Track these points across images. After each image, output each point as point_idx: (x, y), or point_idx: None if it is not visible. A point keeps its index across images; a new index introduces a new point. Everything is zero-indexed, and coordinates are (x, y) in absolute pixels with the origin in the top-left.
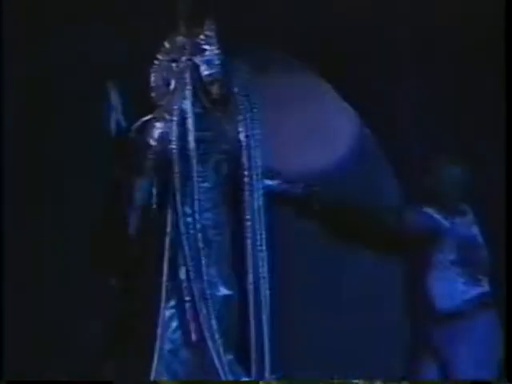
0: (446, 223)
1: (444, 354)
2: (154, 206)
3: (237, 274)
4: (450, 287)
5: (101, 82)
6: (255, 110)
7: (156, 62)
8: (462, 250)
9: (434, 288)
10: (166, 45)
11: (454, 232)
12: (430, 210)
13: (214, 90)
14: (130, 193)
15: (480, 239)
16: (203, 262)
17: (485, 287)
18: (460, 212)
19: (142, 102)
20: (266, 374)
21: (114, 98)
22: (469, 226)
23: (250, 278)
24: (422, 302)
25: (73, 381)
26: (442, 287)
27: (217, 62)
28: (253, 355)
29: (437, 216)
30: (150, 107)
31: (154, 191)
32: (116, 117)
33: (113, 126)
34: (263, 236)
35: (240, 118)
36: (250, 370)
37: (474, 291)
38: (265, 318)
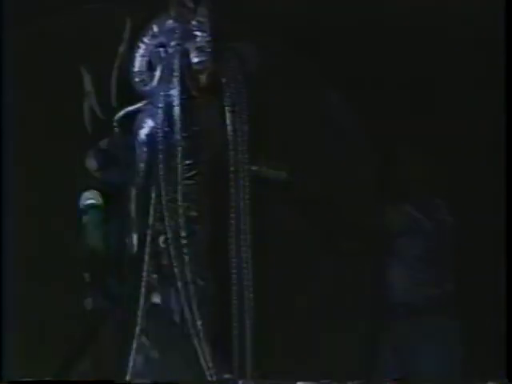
0: (419, 219)
1: (406, 350)
2: (138, 193)
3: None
4: (415, 282)
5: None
6: (243, 101)
7: (142, 45)
8: (429, 246)
9: (399, 282)
10: (154, 28)
11: (423, 229)
12: (406, 206)
13: (203, 78)
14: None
15: (448, 236)
16: (185, 251)
17: (448, 285)
18: (432, 208)
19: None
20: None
21: (88, 84)
22: (439, 224)
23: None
24: (386, 295)
25: (72, 381)
26: (407, 282)
27: (208, 50)
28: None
29: (412, 212)
30: (133, 93)
31: (139, 179)
32: (90, 103)
33: (86, 112)
34: (247, 223)
35: (227, 109)
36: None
37: (438, 288)
38: (247, 302)
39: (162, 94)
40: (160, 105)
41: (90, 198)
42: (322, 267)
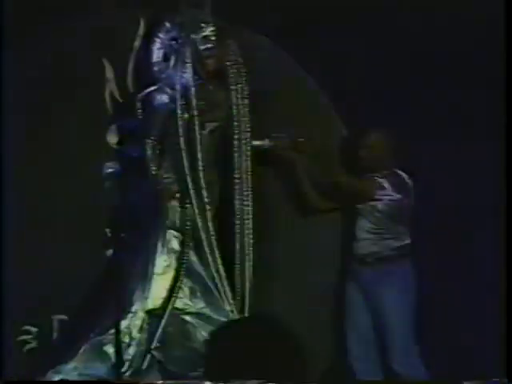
0: (387, 188)
1: (370, 293)
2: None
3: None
4: (380, 237)
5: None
6: (244, 81)
7: (158, 40)
8: (394, 209)
9: (366, 236)
10: (167, 24)
11: (392, 195)
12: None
13: (210, 63)
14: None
15: (410, 200)
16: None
17: (406, 240)
18: (393, 177)
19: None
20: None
21: (109, 72)
22: (401, 189)
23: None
24: (354, 247)
25: (72, 381)
26: (373, 237)
27: (212, 39)
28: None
29: (382, 183)
30: (152, 80)
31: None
32: (110, 89)
33: (107, 96)
34: (249, 192)
35: (232, 87)
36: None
37: (397, 242)
38: (247, 264)
39: (177, 77)
40: (176, 86)
41: (110, 167)
42: (301, 224)
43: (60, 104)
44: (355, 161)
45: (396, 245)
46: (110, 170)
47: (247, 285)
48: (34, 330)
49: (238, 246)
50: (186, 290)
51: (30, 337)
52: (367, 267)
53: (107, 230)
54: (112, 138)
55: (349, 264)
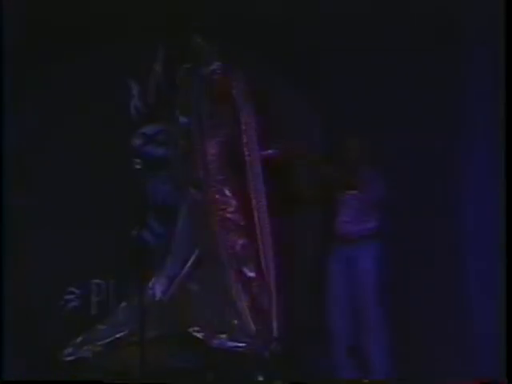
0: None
1: (351, 264)
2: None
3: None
4: (354, 221)
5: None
6: (250, 103)
7: (181, 72)
8: (366, 195)
9: (345, 218)
10: (186, 59)
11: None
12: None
13: (219, 89)
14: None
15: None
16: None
17: (374, 223)
18: (368, 172)
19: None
20: None
21: (134, 90)
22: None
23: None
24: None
25: (71, 381)
26: (349, 220)
27: (219, 71)
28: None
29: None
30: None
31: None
32: (135, 103)
33: (132, 111)
34: (263, 194)
35: (239, 108)
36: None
37: (368, 224)
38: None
39: (193, 102)
40: (194, 110)
41: (136, 163)
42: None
43: (96, 115)
44: (338, 160)
45: (370, 226)
46: (135, 167)
47: None
48: (76, 291)
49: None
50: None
51: (73, 296)
52: (349, 244)
53: (134, 214)
54: (137, 141)
55: (334, 242)
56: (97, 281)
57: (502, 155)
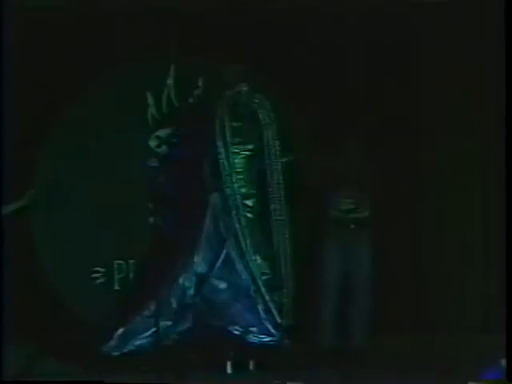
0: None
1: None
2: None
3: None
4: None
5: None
6: (272, 121)
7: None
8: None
9: (346, 208)
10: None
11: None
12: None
13: (244, 109)
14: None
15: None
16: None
17: (368, 210)
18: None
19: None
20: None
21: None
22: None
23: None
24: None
25: (71, 381)
26: (350, 209)
27: (245, 90)
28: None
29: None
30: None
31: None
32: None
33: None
34: (282, 202)
35: (262, 126)
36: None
37: (365, 213)
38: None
39: (219, 121)
40: (218, 127)
41: (152, 162)
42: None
43: (120, 121)
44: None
45: (365, 215)
46: (151, 164)
47: None
48: (102, 269)
49: None
50: None
51: (99, 274)
52: (346, 229)
53: (150, 204)
54: (153, 143)
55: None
56: (119, 261)
57: (502, 155)
